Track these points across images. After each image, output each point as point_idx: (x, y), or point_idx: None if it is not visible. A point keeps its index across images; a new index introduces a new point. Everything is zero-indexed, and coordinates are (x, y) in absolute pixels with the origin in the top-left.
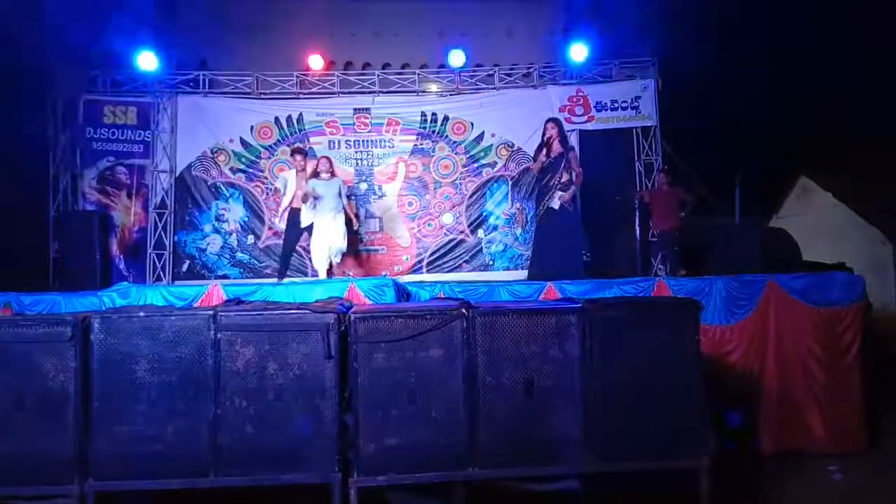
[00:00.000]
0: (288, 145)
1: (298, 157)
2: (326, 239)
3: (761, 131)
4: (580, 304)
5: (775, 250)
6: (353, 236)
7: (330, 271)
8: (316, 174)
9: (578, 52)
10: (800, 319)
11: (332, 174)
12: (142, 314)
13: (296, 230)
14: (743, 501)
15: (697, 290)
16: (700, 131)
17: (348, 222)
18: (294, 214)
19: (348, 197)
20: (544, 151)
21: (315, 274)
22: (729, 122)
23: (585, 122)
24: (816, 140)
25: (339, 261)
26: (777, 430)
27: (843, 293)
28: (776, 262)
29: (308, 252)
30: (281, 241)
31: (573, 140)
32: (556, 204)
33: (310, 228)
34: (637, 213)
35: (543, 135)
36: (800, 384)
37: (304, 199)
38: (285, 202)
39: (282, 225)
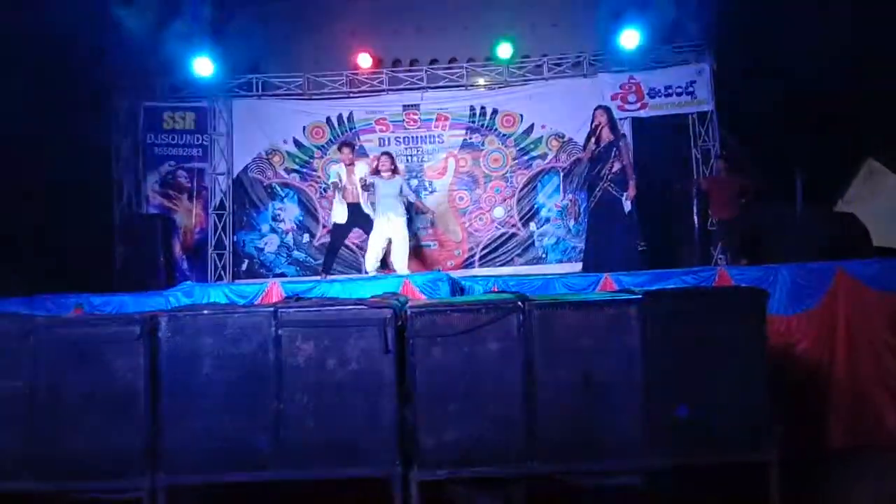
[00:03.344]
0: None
1: (346, 150)
2: (382, 238)
3: (823, 113)
4: (640, 296)
5: (843, 236)
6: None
7: (387, 269)
8: (377, 172)
9: (629, 38)
10: (872, 307)
11: (394, 172)
12: (206, 312)
13: (344, 226)
14: (813, 497)
15: (762, 280)
16: (759, 115)
17: (410, 221)
18: (348, 208)
19: (415, 193)
20: (593, 140)
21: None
22: (789, 103)
23: (639, 109)
24: (882, 120)
25: (403, 262)
26: (848, 423)
27: None
28: (844, 248)
29: (360, 248)
30: None
31: (626, 128)
32: (626, 207)
33: (358, 223)
34: (695, 202)
35: (592, 123)
36: (872, 375)
37: (364, 186)
38: (339, 196)
39: (337, 218)
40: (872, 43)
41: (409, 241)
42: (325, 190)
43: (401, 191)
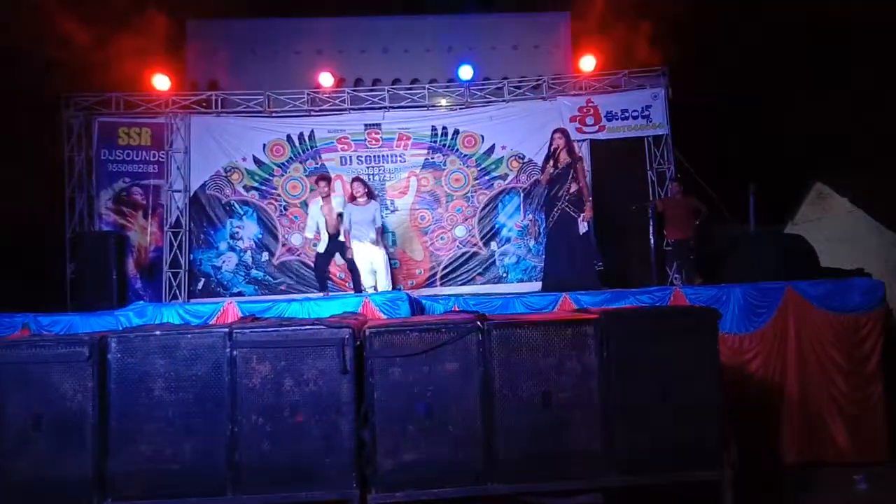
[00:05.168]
0: (300, 162)
1: (323, 184)
2: (368, 261)
3: (774, 137)
4: (597, 315)
5: (792, 257)
6: None
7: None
8: (353, 199)
9: (587, 62)
10: (819, 327)
11: (369, 197)
12: (158, 333)
13: (325, 255)
14: None
15: (714, 299)
16: (712, 138)
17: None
18: (329, 239)
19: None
20: (552, 162)
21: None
22: (741, 128)
23: (596, 131)
24: (831, 145)
25: (386, 284)
26: (799, 439)
27: (863, 299)
28: (794, 268)
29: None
30: (294, 258)
31: (584, 150)
32: (583, 228)
33: (337, 250)
34: (651, 223)
35: (550, 145)
36: (821, 392)
37: (336, 230)
38: (321, 233)
39: (319, 248)
40: (823, 68)
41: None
42: (284, 208)
43: (374, 217)
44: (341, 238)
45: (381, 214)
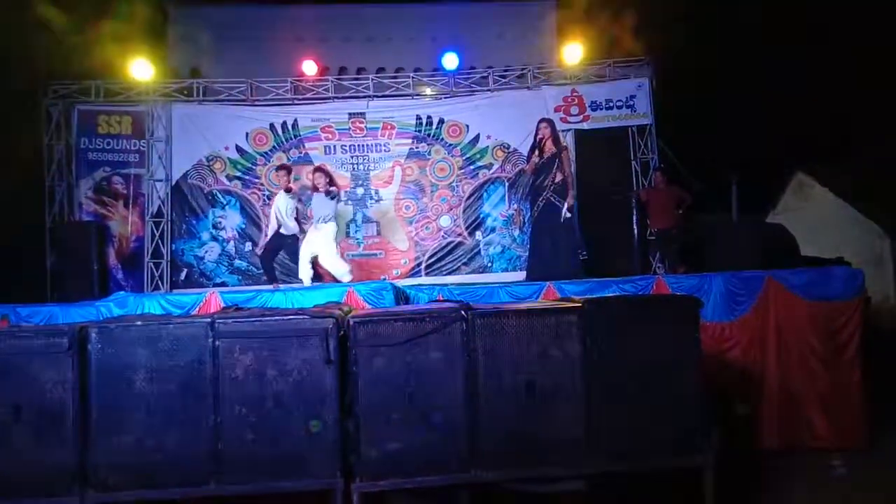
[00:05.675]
0: (283, 151)
1: (282, 173)
2: (311, 248)
3: (757, 128)
4: (580, 304)
5: (774, 246)
6: (352, 242)
7: (320, 277)
8: (315, 188)
9: (572, 52)
10: (799, 315)
11: (330, 183)
12: (139, 323)
13: (279, 239)
14: (747, 497)
15: (696, 288)
16: (696, 129)
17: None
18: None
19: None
20: (537, 152)
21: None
22: (725, 118)
23: (581, 121)
24: (813, 136)
25: (335, 267)
26: (779, 425)
27: (843, 287)
28: (775, 257)
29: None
30: None
31: (569, 140)
32: (565, 214)
33: (284, 243)
34: (635, 212)
35: (536, 135)
36: (801, 379)
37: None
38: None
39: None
40: (803, 59)
41: (350, 249)
42: (268, 198)
43: (334, 211)
44: (284, 231)
45: (337, 207)
